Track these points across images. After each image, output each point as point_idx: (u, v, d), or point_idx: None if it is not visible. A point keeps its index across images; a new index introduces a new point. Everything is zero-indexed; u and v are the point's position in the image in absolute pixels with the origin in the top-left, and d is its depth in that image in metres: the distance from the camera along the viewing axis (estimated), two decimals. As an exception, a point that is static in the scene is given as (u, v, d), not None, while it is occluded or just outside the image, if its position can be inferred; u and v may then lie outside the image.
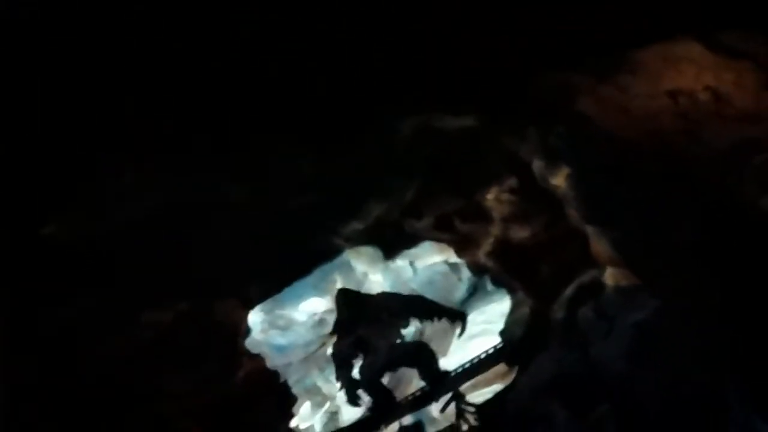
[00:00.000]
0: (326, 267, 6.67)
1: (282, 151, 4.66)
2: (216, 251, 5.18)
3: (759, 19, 3.77)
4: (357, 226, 5.82)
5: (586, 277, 5.43)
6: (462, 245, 6.66)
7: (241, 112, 4.24)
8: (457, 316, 6.62)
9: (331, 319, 6.51)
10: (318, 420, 7.08)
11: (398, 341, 6.31)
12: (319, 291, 7.55)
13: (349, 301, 6.14)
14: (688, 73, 4.17)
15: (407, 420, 5.87)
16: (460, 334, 6.20)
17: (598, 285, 5.29)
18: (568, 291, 5.74)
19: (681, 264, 4.57)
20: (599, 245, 5.33)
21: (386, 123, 4.85)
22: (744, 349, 4.16)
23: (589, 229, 5.32)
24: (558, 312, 5.80)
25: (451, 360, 6.70)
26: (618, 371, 4.73)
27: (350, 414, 6.73)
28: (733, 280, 4.32)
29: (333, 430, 6.64)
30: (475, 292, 7.95)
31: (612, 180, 4.86)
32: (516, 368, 5.98)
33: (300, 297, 7.49)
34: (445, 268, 7.86)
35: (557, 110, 4.63)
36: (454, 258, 7.03)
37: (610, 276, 5.36)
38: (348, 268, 7.51)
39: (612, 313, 5.21)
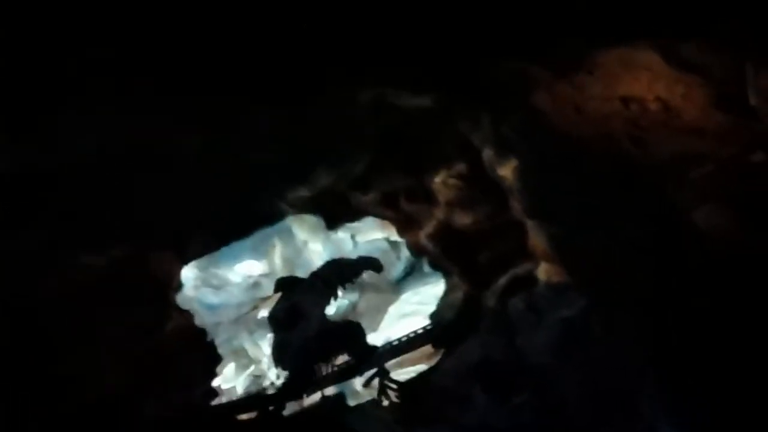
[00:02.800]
0: (267, 231, 6.60)
1: (239, 107, 4.57)
2: (159, 199, 5.07)
3: (717, 30, 3.87)
4: (303, 192, 5.77)
5: (520, 270, 5.53)
6: (405, 225, 6.68)
7: (201, 62, 4.15)
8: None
9: (267, 282, 6.46)
10: (241, 382, 7.03)
11: (332, 314, 6.29)
12: (256, 254, 7.44)
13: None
14: (643, 80, 4.25)
15: (330, 391, 5.88)
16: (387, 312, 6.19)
17: (531, 278, 5.40)
18: (502, 281, 5.84)
19: (614, 266, 4.68)
20: (537, 239, 5.43)
21: (344, 92, 4.80)
22: (663, 355, 4.30)
23: (530, 223, 5.41)
24: (490, 300, 5.90)
25: (380, 336, 6.75)
26: (541, 363, 4.85)
27: (274, 379, 6.72)
28: (662, 286, 4.45)
29: (254, 393, 6.62)
30: (411, 273, 7.99)
31: (558, 176, 4.93)
32: (442, 350, 6.09)
33: (237, 258, 7.38)
34: (386, 245, 7.87)
35: (512, 100, 4.66)
36: (395, 236, 7.06)
37: (543, 271, 5.48)
38: (289, 235, 7.44)
39: (541, 306, 5.35)
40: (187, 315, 6.17)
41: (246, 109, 4.60)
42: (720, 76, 4.11)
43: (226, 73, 4.26)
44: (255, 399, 6.29)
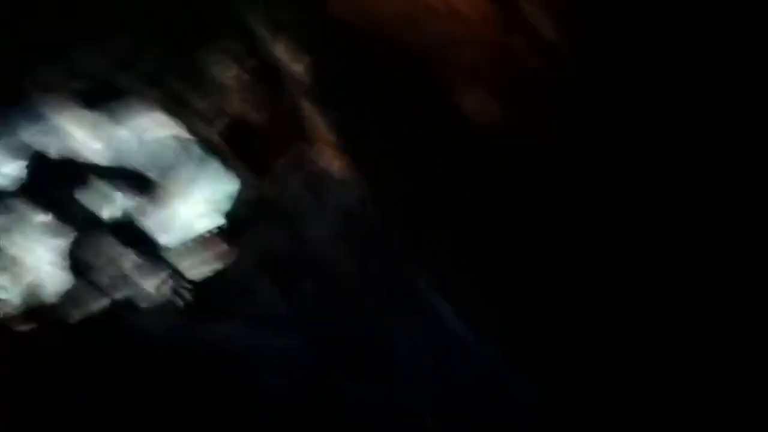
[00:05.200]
0: (24, 123, 5.98)
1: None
2: None
3: None
4: (63, 76, 5.26)
5: (303, 157, 5.57)
6: (192, 119, 6.43)
7: None
8: (171, 194, 6.42)
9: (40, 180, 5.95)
10: (17, 293, 6.54)
11: (113, 212, 6.01)
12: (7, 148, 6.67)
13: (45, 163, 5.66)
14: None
15: (119, 295, 5.68)
16: (176, 210, 6.07)
17: (313, 166, 5.46)
18: (291, 174, 5.87)
19: (393, 155, 4.85)
20: (320, 126, 5.47)
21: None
22: (438, 240, 4.59)
23: (313, 109, 5.43)
24: (273, 189, 5.90)
25: (170, 237, 6.56)
26: (323, 251, 5.03)
27: (56, 287, 6.36)
28: (436, 178, 4.68)
29: (35, 304, 6.24)
30: (201, 169, 7.74)
31: (340, 64, 4.96)
32: (234, 247, 6.08)
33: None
34: (173, 142, 7.52)
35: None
36: (184, 133, 6.77)
37: (325, 158, 5.55)
38: (55, 129, 6.81)
39: (324, 197, 5.47)
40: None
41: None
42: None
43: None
44: (36, 309, 5.96)
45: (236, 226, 5.80)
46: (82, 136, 6.63)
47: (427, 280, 4.57)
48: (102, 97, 5.53)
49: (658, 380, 3.49)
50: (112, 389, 4.60)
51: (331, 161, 5.06)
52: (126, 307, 5.50)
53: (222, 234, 5.90)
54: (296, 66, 5.02)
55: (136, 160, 5.98)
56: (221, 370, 4.54)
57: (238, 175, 6.14)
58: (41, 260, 6.22)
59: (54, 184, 5.65)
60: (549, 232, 3.93)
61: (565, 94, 3.82)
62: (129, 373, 4.81)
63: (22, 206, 6.13)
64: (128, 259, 5.94)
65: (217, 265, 5.67)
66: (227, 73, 5.43)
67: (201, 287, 5.34)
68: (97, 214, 5.71)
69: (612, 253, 3.52)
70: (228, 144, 5.89)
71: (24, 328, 5.41)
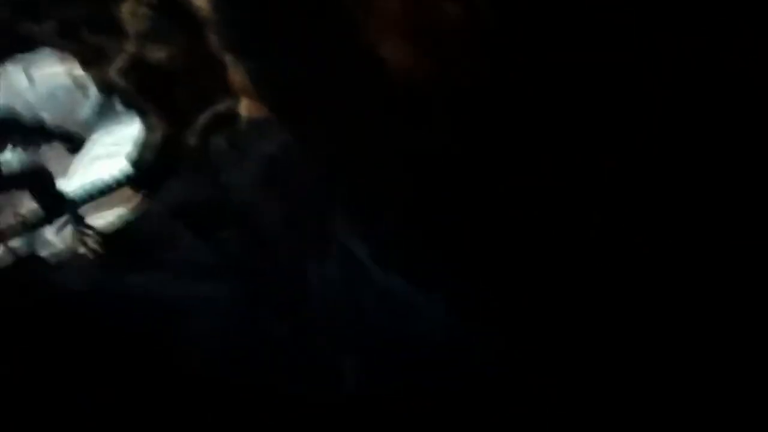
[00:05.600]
0: None
1: None
2: None
3: None
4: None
5: (221, 106, 5.41)
6: (89, 58, 6.05)
7: None
8: (72, 140, 6.12)
9: None
10: None
11: (12, 163, 5.69)
12: None
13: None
14: None
15: (16, 243, 5.43)
16: (78, 155, 5.79)
17: (232, 115, 5.32)
18: (202, 118, 5.68)
19: (310, 98, 4.79)
20: (237, 75, 5.30)
21: None
22: (352, 184, 4.62)
23: (228, 57, 5.24)
24: (191, 138, 5.73)
25: (71, 182, 6.26)
26: (245, 199, 4.96)
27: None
28: (352, 118, 4.67)
29: None
30: (102, 111, 7.36)
31: (256, 7, 4.79)
32: (143, 193, 5.91)
33: None
34: (69, 81, 7.08)
35: None
36: (79, 71, 6.39)
37: (244, 107, 5.41)
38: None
39: (244, 143, 5.37)
40: None
41: None
42: None
43: None
44: None
45: (147, 174, 5.60)
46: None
47: (347, 222, 4.58)
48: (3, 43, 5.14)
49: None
50: (22, 347, 4.38)
51: (252, 110, 4.95)
52: (26, 256, 5.24)
53: (131, 182, 5.68)
54: (212, 13, 4.79)
55: (36, 105, 5.63)
56: (143, 322, 4.34)
57: (148, 121, 5.90)
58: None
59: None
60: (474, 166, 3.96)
61: (486, 41, 3.82)
62: (39, 329, 4.58)
63: None
64: (24, 206, 5.66)
65: (126, 211, 5.47)
66: (133, 13, 5.14)
67: (112, 238, 5.14)
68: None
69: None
70: (135, 87, 5.62)
71: None
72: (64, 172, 6.48)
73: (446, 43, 4.38)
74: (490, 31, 3.63)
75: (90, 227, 5.43)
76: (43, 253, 5.31)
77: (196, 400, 3.94)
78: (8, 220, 5.54)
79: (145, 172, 5.68)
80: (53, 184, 5.64)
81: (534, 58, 2.96)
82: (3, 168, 5.45)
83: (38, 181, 5.54)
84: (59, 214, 5.56)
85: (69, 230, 5.43)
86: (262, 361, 4.34)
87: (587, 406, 3.19)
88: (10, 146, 5.61)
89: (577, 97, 2.72)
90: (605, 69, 2.55)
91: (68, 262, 5.16)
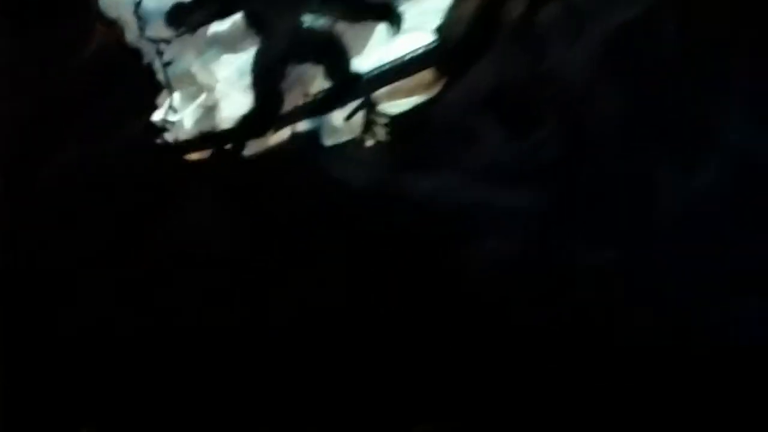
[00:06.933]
0: None
1: None
2: None
3: None
4: None
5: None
6: None
7: None
8: (384, 14, 5.44)
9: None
10: (189, 114, 5.89)
11: (303, 26, 5.20)
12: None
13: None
14: None
15: (301, 126, 4.90)
16: (378, 29, 5.09)
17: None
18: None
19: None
20: None
21: None
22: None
23: None
24: (516, 6, 4.51)
25: (367, 59, 5.53)
26: (576, 84, 3.44)
27: (231, 110, 5.63)
28: None
29: (207, 128, 5.60)
30: (413, -20, 6.54)
31: None
32: (447, 77, 4.97)
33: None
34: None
35: None
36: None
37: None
38: None
39: (588, 9, 3.93)
40: (115, 29, 4.92)
41: None
42: None
43: None
44: (208, 135, 5.37)
45: (456, 52, 4.65)
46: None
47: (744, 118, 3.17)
48: None
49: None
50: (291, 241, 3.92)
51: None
52: (309, 142, 4.67)
53: (435, 63, 4.76)
54: None
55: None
56: (427, 233, 3.61)
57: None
58: (215, 78, 5.55)
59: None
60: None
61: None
62: (308, 225, 4.05)
63: (195, 13, 5.39)
64: (314, 83, 5.06)
65: (425, 99, 4.62)
66: None
67: (403, 127, 4.20)
68: (279, 24, 4.74)
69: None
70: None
71: (194, 157, 4.77)
72: (360, 47, 5.81)
73: None
74: None
75: (382, 114, 4.71)
76: (328, 141, 4.71)
77: (472, 331, 3.29)
78: (297, 100, 4.99)
79: (454, 51, 4.70)
80: (348, 62, 5.00)
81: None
82: (296, 37, 4.92)
83: (333, 54, 4.94)
84: (352, 98, 4.93)
85: (359, 117, 4.77)
86: (573, 293, 3.19)
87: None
88: (304, 10, 5.04)
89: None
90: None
91: (354, 155, 4.48)
